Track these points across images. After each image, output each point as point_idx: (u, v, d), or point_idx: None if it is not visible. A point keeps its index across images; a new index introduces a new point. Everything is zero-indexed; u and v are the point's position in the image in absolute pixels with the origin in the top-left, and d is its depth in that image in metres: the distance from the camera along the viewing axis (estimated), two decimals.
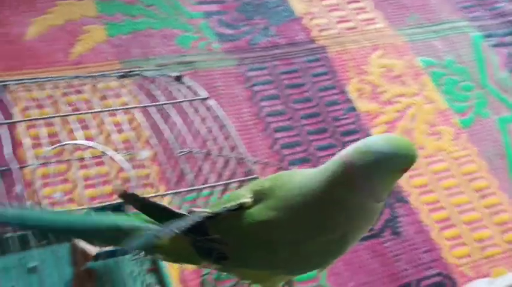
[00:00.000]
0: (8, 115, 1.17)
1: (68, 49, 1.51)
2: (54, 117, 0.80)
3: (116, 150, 1.04)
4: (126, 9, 1.63)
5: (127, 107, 0.87)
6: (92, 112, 0.82)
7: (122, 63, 1.53)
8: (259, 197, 0.70)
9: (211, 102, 0.86)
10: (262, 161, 0.93)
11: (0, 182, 0.78)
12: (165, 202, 0.91)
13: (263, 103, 1.58)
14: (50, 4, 1.57)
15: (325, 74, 1.69)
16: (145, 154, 1.01)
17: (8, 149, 0.74)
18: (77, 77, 0.91)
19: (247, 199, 0.69)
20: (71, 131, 0.88)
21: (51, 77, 0.95)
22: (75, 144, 0.77)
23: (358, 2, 1.92)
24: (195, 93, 0.88)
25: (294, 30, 1.77)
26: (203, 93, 0.87)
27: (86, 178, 1.23)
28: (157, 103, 0.85)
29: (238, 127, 1.50)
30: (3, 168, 0.85)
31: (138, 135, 1.30)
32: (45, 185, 1.20)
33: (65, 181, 1.22)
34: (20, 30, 1.50)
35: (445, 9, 1.98)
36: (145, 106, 0.86)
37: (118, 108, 0.85)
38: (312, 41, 1.76)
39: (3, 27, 1.49)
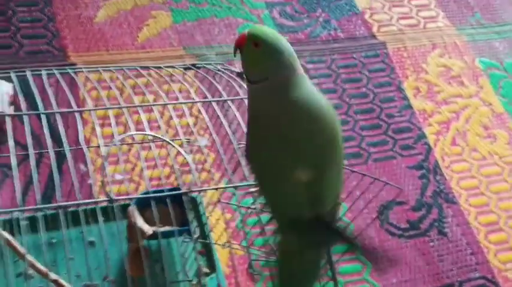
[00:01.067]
0: (79, 100, 1.24)
1: (134, 33, 1.57)
2: (121, 107, 0.85)
3: (175, 135, 1.10)
4: None
5: (190, 101, 0.92)
6: (155, 105, 0.88)
7: (185, 49, 1.58)
8: None
9: None
10: None
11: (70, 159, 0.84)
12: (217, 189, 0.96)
13: None
14: None
15: (382, 70, 1.71)
16: (203, 141, 1.05)
17: (80, 134, 0.79)
18: (145, 67, 0.96)
19: None
20: (136, 112, 0.93)
21: (121, 66, 1.00)
22: (142, 134, 0.82)
23: None
24: None
25: (354, 24, 1.78)
26: None
27: (146, 160, 1.29)
28: (219, 99, 0.89)
29: None
30: (73, 148, 0.91)
31: (197, 123, 1.35)
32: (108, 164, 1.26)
33: (127, 161, 1.29)
34: (91, 13, 1.57)
35: (509, 10, 1.96)
36: (207, 101, 0.90)
37: (182, 102, 0.90)
38: (372, 36, 1.77)
39: (76, 9, 1.56)
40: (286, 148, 0.74)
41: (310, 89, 0.75)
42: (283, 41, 0.75)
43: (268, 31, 0.75)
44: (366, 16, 1.81)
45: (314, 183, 0.74)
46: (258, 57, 0.74)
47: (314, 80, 1.63)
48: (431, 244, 1.40)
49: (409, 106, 1.65)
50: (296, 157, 0.74)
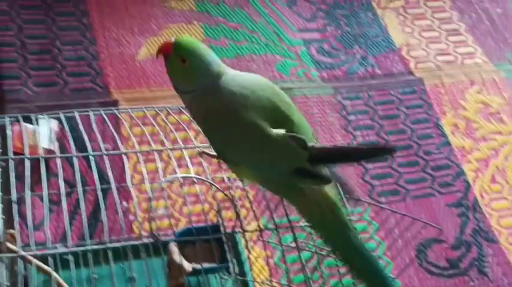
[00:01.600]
0: (122, 136, 1.27)
1: None
2: (166, 149, 0.88)
3: (216, 171, 1.11)
4: (230, 34, 1.71)
5: None
6: (199, 147, 0.90)
7: None
8: None
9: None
10: (354, 197, 0.97)
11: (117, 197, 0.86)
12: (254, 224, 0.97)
13: (357, 132, 1.62)
14: (161, 26, 1.67)
15: (420, 106, 1.71)
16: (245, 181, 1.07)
17: (128, 175, 0.81)
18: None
19: None
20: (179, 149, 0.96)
21: (164, 106, 1.03)
22: (188, 176, 0.84)
23: (459, 35, 1.92)
24: None
25: (392, 61, 1.79)
26: None
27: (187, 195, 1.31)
28: None
29: None
30: (120, 185, 0.93)
31: None
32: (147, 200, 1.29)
33: (168, 197, 1.31)
34: (133, 51, 1.61)
35: None
36: None
37: None
38: (410, 73, 1.78)
39: (119, 48, 1.60)
40: (250, 123, 0.76)
41: (240, 79, 0.79)
42: (208, 52, 0.79)
43: (194, 45, 0.78)
44: (403, 53, 1.82)
45: (291, 130, 0.77)
46: (186, 73, 0.78)
47: (352, 116, 1.64)
48: (472, 283, 1.38)
49: (448, 143, 1.64)
50: (264, 121, 0.76)
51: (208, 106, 0.78)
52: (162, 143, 0.97)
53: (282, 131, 0.75)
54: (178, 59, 0.77)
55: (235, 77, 0.79)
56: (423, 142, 1.64)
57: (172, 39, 0.78)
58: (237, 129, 0.78)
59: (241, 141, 0.79)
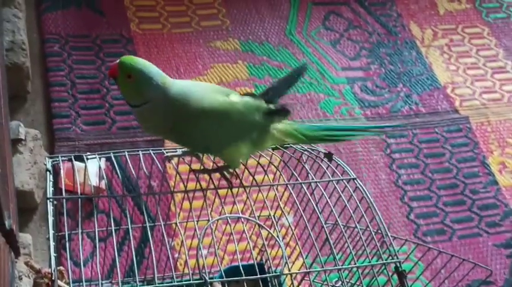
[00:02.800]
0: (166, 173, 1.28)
1: None
2: (207, 189, 0.89)
3: (262, 208, 1.12)
4: (274, 73, 1.73)
5: (281, 183, 0.95)
6: (247, 186, 0.91)
7: None
8: None
9: (359, 183, 0.91)
10: (399, 237, 0.96)
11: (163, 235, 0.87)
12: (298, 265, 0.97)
13: (401, 171, 1.60)
14: (207, 66, 1.70)
15: (466, 145, 1.69)
16: (289, 219, 1.07)
17: (176, 216, 0.82)
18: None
19: None
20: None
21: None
22: (235, 217, 0.85)
23: (505, 72, 1.91)
24: (343, 172, 0.94)
25: (436, 99, 1.78)
26: (351, 173, 0.93)
27: (229, 233, 1.32)
28: (305, 181, 0.91)
29: (375, 193, 1.54)
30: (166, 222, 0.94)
31: (284, 200, 1.37)
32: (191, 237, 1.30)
33: (207, 234, 1.31)
34: None
35: None
36: (294, 183, 0.93)
37: (272, 184, 0.93)
38: (455, 111, 1.77)
39: None
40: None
41: (186, 84, 0.88)
42: (151, 67, 0.85)
43: (135, 61, 0.85)
44: (448, 90, 1.81)
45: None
46: (133, 88, 0.85)
47: (396, 154, 1.63)
48: None
49: (495, 182, 1.62)
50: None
51: (174, 114, 0.86)
52: (209, 181, 0.98)
53: (239, 97, 0.90)
54: (125, 77, 0.84)
55: (181, 83, 0.88)
56: (469, 181, 1.61)
57: (117, 61, 0.85)
58: (214, 119, 0.88)
59: (223, 126, 0.89)
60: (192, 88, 0.89)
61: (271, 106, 0.92)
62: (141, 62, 0.85)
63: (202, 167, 0.98)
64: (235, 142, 0.92)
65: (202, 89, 0.90)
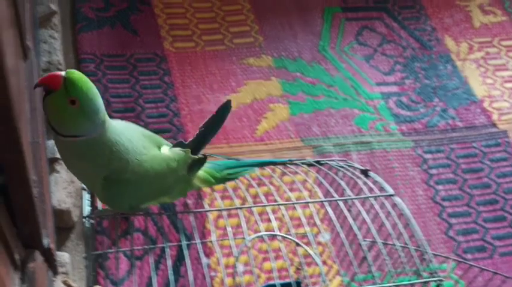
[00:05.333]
0: (205, 195, 1.29)
1: (254, 126, 1.62)
2: (242, 207, 0.88)
3: (297, 226, 1.10)
4: (308, 89, 1.73)
5: (317, 200, 0.94)
6: (283, 204, 0.90)
7: (303, 140, 1.61)
8: None
9: (397, 199, 0.89)
10: (439, 254, 0.94)
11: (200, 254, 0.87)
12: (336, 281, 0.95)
13: (439, 187, 1.58)
14: (240, 83, 1.70)
15: (505, 159, 1.66)
16: (326, 236, 1.06)
17: (213, 234, 0.82)
18: (271, 162, 0.99)
19: None
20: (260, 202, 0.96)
21: (249, 161, 1.03)
22: (271, 235, 0.84)
23: None
24: (381, 189, 0.92)
25: (473, 113, 1.75)
26: (389, 190, 0.91)
27: (266, 251, 1.31)
28: (343, 198, 0.90)
29: (412, 210, 1.51)
30: (202, 241, 0.94)
31: (320, 217, 1.36)
32: (227, 255, 1.29)
33: (243, 252, 1.30)
34: (213, 108, 1.64)
35: None
36: (330, 200, 0.91)
37: (309, 201, 0.92)
38: (493, 125, 1.73)
39: (199, 105, 1.64)
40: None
41: (122, 138, 0.78)
42: (98, 97, 0.73)
43: (86, 85, 0.71)
44: (485, 104, 1.78)
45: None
46: (73, 116, 0.72)
47: (433, 170, 1.60)
48: None
49: None
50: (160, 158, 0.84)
51: (109, 164, 0.77)
52: (244, 199, 0.97)
53: (170, 150, 0.86)
54: (66, 98, 0.71)
55: (116, 127, 0.79)
56: (510, 196, 1.58)
57: (62, 73, 0.71)
58: (152, 180, 0.82)
59: (157, 186, 0.84)
60: (128, 136, 0.80)
61: (196, 157, 0.89)
62: (91, 89, 0.72)
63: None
64: (162, 197, 0.89)
65: (139, 140, 0.82)
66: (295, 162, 1.01)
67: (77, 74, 0.71)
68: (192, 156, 0.88)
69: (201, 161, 0.89)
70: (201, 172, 0.92)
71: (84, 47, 1.70)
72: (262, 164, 1.00)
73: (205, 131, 0.92)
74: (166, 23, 1.81)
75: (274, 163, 1.02)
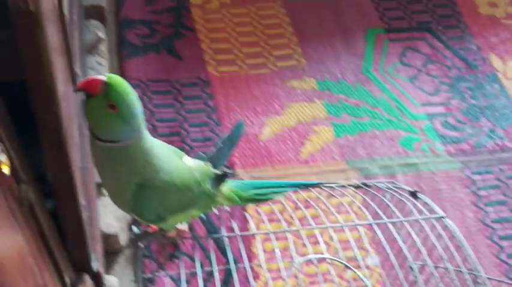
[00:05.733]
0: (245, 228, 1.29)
1: (298, 149, 1.62)
2: (290, 230, 0.88)
3: (345, 249, 1.09)
4: (352, 111, 1.72)
5: (363, 222, 0.92)
6: (330, 227, 0.89)
7: (348, 163, 1.60)
8: None
9: (449, 221, 0.87)
10: (490, 277, 0.91)
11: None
12: None
13: (489, 209, 1.54)
14: (284, 105, 1.71)
15: None
16: (374, 259, 1.04)
17: (261, 255, 0.82)
18: (320, 184, 0.99)
19: None
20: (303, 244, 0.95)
21: (279, 183, 1.03)
22: (321, 257, 0.83)
23: None
24: (430, 211, 0.90)
25: None
26: (439, 211, 0.89)
27: (312, 275, 1.29)
28: (392, 220, 0.89)
29: (462, 232, 1.47)
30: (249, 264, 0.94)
31: (368, 240, 1.34)
32: (276, 278, 1.28)
33: (295, 276, 1.29)
34: (257, 131, 1.65)
35: None
36: (378, 222, 0.90)
37: (358, 223, 0.91)
38: None
39: (247, 128, 1.64)
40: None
41: (154, 149, 0.78)
42: (137, 103, 0.73)
43: (126, 90, 0.71)
44: None
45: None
46: (112, 121, 0.71)
47: (482, 192, 1.57)
48: None
49: None
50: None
51: (141, 174, 0.77)
52: (291, 221, 0.97)
53: (192, 161, 0.86)
54: (105, 103, 0.70)
55: (150, 138, 0.79)
56: None
57: (103, 78, 0.71)
58: (179, 191, 0.82)
59: (183, 196, 0.84)
60: (157, 144, 0.81)
61: (218, 171, 0.89)
62: (131, 95, 0.72)
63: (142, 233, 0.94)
64: (188, 209, 0.88)
65: (165, 149, 0.84)
66: (342, 184, 1.00)
67: (117, 79, 0.71)
68: (214, 170, 0.88)
69: (223, 177, 0.89)
70: (225, 190, 0.92)
71: (130, 72, 1.73)
72: (294, 186, 0.99)
73: (223, 148, 0.93)
74: (210, 47, 1.83)
75: (307, 186, 1.00)
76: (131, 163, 0.76)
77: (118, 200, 0.82)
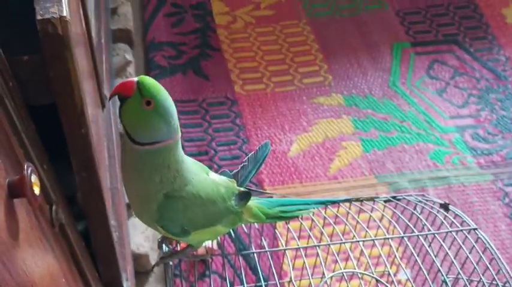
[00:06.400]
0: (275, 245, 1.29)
1: (326, 164, 1.61)
2: (319, 245, 0.87)
3: (376, 264, 1.08)
4: (380, 126, 1.71)
5: (393, 236, 0.92)
6: (363, 240, 0.88)
7: (377, 177, 1.59)
8: None
9: (481, 233, 0.86)
10: None
11: None
12: None
13: None
14: (311, 122, 1.71)
15: None
16: (405, 274, 1.03)
17: (291, 273, 0.81)
18: (347, 200, 0.98)
19: None
20: (334, 261, 0.95)
21: (318, 200, 1.03)
22: (351, 272, 0.83)
23: None
24: (462, 223, 0.89)
25: None
26: (471, 224, 0.88)
27: None
28: (423, 233, 0.88)
29: (495, 245, 1.45)
30: (279, 281, 0.93)
31: (399, 255, 1.33)
32: None
33: None
34: (285, 148, 1.65)
35: None
36: (410, 235, 0.89)
37: (387, 237, 0.90)
38: None
39: (271, 145, 1.64)
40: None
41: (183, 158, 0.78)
42: (171, 100, 0.71)
43: (159, 87, 0.70)
44: None
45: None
46: (148, 118, 0.70)
47: None
48: None
49: None
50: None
51: (170, 183, 0.76)
52: (320, 238, 0.96)
53: (218, 177, 0.86)
54: (141, 101, 0.69)
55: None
56: None
57: (135, 79, 0.70)
58: (204, 204, 0.82)
59: (208, 210, 0.83)
60: (189, 163, 0.81)
61: (242, 189, 0.88)
62: (164, 91, 0.71)
63: (170, 253, 0.94)
64: (213, 225, 0.87)
65: (191, 162, 0.83)
66: (371, 197, 0.99)
67: (148, 78, 0.71)
68: (239, 187, 0.88)
69: (247, 195, 0.88)
70: (251, 207, 0.92)
71: None
72: (321, 203, 0.98)
73: (248, 166, 0.93)
74: (236, 66, 1.84)
75: (333, 202, 0.99)
76: (164, 170, 0.75)
77: (143, 211, 0.82)
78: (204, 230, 0.86)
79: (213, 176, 0.86)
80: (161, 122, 0.71)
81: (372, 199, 0.97)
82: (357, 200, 0.98)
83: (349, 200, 0.99)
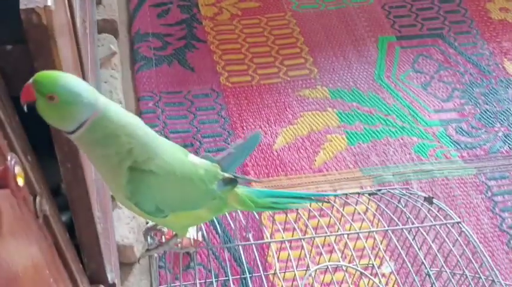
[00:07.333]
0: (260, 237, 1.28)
1: (311, 157, 1.62)
2: (304, 238, 0.87)
3: (360, 257, 1.09)
4: (365, 119, 1.72)
5: (378, 229, 0.92)
6: (348, 233, 0.88)
7: (362, 170, 1.59)
8: None
9: (465, 227, 0.87)
10: None
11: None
12: None
13: (505, 214, 1.53)
14: (296, 115, 1.71)
15: None
16: (388, 267, 1.03)
17: (276, 265, 0.81)
18: (335, 196, 0.98)
19: None
20: (317, 253, 0.95)
21: (310, 194, 1.03)
22: (336, 265, 0.83)
23: None
24: (445, 217, 0.90)
25: None
26: (455, 217, 0.89)
27: (327, 283, 1.29)
28: (407, 226, 0.88)
29: (478, 239, 1.47)
30: (264, 273, 0.94)
31: (383, 247, 1.34)
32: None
33: (311, 285, 1.29)
34: (270, 140, 1.65)
35: None
36: (393, 229, 0.90)
37: (372, 230, 0.90)
38: None
39: None
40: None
41: (119, 110, 0.74)
42: (75, 81, 0.69)
43: (56, 76, 0.68)
44: None
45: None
46: (61, 110, 0.69)
47: (498, 197, 1.55)
48: None
49: None
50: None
51: (129, 154, 0.74)
52: (305, 230, 0.96)
53: (198, 159, 0.84)
54: (46, 100, 0.68)
55: (116, 111, 0.74)
56: None
57: (30, 81, 0.67)
58: (178, 182, 0.80)
59: (185, 190, 0.82)
60: (146, 130, 0.77)
61: (227, 175, 0.86)
62: (61, 77, 0.69)
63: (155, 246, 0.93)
64: (194, 208, 0.86)
65: (165, 143, 0.81)
66: (357, 191, 0.99)
67: (41, 74, 0.68)
68: (222, 173, 0.87)
69: (232, 181, 0.87)
70: (238, 193, 0.91)
71: (143, 85, 1.74)
72: (311, 198, 0.98)
73: (236, 154, 0.91)
74: (221, 58, 1.84)
75: (324, 197, 0.99)
76: (111, 140, 0.74)
77: (117, 190, 0.80)
78: (183, 213, 0.85)
79: (193, 158, 0.85)
80: (72, 107, 0.69)
81: (358, 192, 0.97)
82: (344, 193, 0.99)
83: (338, 196, 0.99)
